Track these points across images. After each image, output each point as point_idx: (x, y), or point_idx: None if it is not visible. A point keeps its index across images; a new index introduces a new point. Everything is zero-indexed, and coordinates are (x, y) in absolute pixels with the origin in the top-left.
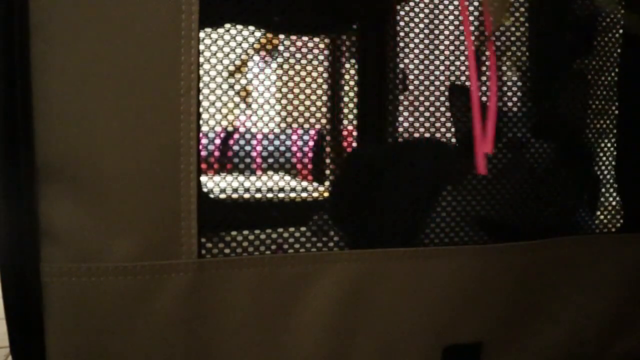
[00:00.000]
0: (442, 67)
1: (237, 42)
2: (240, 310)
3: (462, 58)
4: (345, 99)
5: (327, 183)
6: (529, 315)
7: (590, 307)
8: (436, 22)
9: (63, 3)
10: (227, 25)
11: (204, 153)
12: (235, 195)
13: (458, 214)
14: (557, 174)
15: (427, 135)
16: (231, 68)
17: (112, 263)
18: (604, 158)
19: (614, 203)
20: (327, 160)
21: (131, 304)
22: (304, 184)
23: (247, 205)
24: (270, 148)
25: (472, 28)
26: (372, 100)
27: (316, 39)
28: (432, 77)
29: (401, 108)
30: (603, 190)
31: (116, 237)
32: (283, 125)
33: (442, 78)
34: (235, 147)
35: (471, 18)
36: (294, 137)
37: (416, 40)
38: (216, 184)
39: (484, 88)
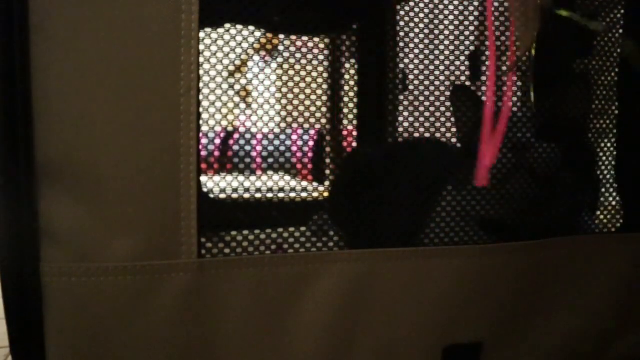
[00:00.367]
0: (442, 68)
1: (237, 42)
2: (240, 310)
3: (463, 59)
4: (345, 99)
5: (326, 183)
6: (528, 315)
7: (590, 307)
8: (437, 24)
9: (63, 3)
10: (227, 25)
11: (204, 153)
12: (235, 196)
13: (458, 214)
14: (557, 175)
15: (427, 135)
16: (231, 68)
17: (112, 263)
18: (604, 158)
19: (614, 203)
20: (327, 160)
21: (131, 303)
22: (304, 184)
23: (247, 205)
24: (270, 148)
25: (495, 52)
26: (372, 100)
27: (316, 39)
28: (431, 78)
29: (401, 108)
30: (603, 190)
31: (116, 237)
32: (283, 125)
33: (441, 79)
34: (235, 147)
35: (497, 43)
36: (294, 137)
37: (416, 41)
38: (216, 184)
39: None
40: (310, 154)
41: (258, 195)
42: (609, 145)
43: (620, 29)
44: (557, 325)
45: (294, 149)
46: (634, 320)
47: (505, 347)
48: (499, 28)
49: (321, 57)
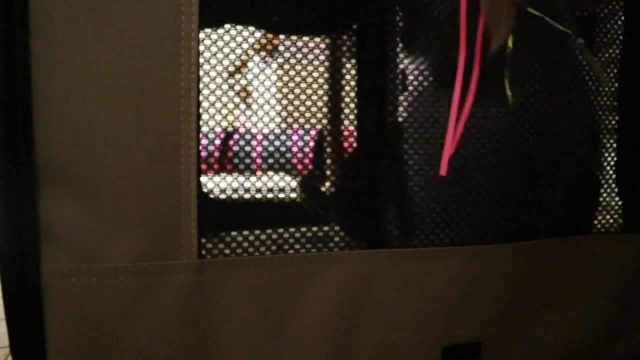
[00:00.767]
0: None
1: (237, 43)
2: (240, 311)
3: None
4: (347, 99)
5: (327, 184)
6: (528, 315)
7: (590, 307)
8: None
9: (62, 4)
10: (227, 26)
11: (204, 154)
12: (235, 196)
13: (458, 215)
14: (557, 175)
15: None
16: (231, 69)
17: (113, 263)
18: (604, 158)
19: (613, 203)
20: (328, 161)
21: (131, 304)
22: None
23: (248, 206)
24: (271, 148)
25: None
26: (373, 100)
27: (316, 39)
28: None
29: (401, 108)
30: (603, 190)
31: (116, 238)
32: (283, 125)
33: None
34: (235, 148)
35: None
36: (294, 137)
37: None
38: (216, 184)
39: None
40: (310, 154)
41: (258, 196)
42: (608, 145)
43: (620, 28)
44: (556, 325)
45: (294, 149)
46: (634, 321)
47: (505, 347)
48: (470, 23)
49: (321, 57)
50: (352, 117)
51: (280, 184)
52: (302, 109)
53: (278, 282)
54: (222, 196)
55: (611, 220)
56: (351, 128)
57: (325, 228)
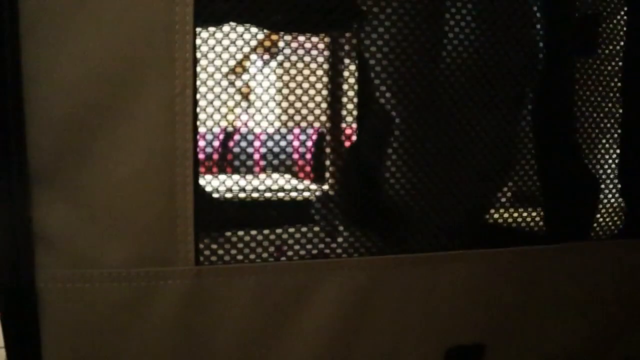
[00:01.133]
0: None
1: (237, 35)
2: (239, 319)
3: None
4: (353, 100)
5: (329, 190)
6: (531, 317)
7: (593, 309)
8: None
9: (52, 4)
10: (225, 18)
11: (201, 155)
12: (234, 200)
13: (462, 219)
14: (560, 180)
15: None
16: (231, 63)
17: (107, 269)
18: (606, 163)
19: (616, 209)
20: (331, 167)
21: (127, 310)
22: (306, 188)
23: (248, 210)
24: (275, 150)
25: None
26: (376, 101)
27: (317, 33)
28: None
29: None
30: (605, 196)
31: (111, 243)
32: (285, 126)
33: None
34: (235, 149)
35: None
36: (297, 139)
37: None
38: (214, 188)
39: None
40: (312, 158)
41: (259, 200)
42: (611, 150)
43: (623, 27)
44: (559, 327)
45: (297, 152)
46: (635, 324)
47: (508, 349)
48: None
49: (322, 53)
50: (353, 117)
51: (282, 188)
52: (305, 109)
53: (279, 289)
54: (221, 200)
55: (612, 225)
56: (353, 128)
57: (328, 234)
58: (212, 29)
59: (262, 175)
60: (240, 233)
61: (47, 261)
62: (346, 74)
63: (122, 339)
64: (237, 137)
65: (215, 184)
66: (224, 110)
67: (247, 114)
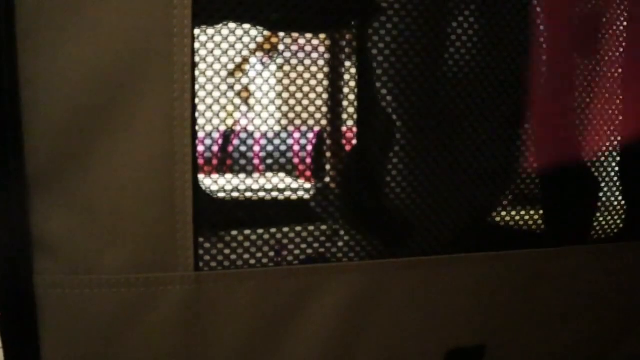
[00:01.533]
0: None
1: (236, 38)
2: (239, 324)
3: None
4: (354, 102)
5: (330, 193)
6: (531, 319)
7: (593, 313)
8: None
9: (49, 7)
10: (224, 20)
11: (200, 161)
12: (234, 205)
13: (463, 223)
14: (561, 184)
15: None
16: (230, 67)
17: (106, 275)
18: (607, 166)
19: (616, 211)
20: (331, 170)
21: (126, 316)
22: (306, 191)
23: (248, 216)
24: (275, 154)
25: None
26: (376, 102)
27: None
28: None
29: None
30: (605, 199)
31: (109, 249)
32: (286, 129)
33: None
34: (235, 154)
35: None
36: (297, 142)
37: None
38: (214, 193)
39: None
40: (313, 161)
41: (259, 205)
42: (612, 151)
43: (623, 27)
44: (560, 329)
45: (298, 155)
46: (636, 327)
47: (508, 351)
48: None
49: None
50: (354, 119)
51: (282, 192)
52: (307, 110)
53: (279, 294)
54: (221, 205)
55: (612, 227)
56: (353, 130)
57: (329, 239)
58: (210, 32)
59: (262, 180)
60: (240, 238)
61: (46, 267)
62: (347, 76)
63: (122, 345)
64: (236, 141)
65: (214, 188)
66: (223, 114)
67: (247, 118)
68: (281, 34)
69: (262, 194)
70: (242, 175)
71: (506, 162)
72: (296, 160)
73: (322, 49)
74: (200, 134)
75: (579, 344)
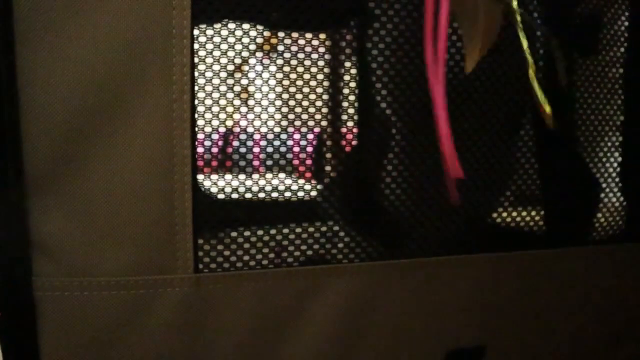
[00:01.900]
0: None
1: (236, 39)
2: (239, 326)
3: None
4: (350, 100)
5: (330, 194)
6: (532, 320)
7: (594, 313)
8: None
9: (47, 8)
10: (224, 20)
11: (199, 162)
12: (234, 207)
13: (463, 224)
14: (560, 183)
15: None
16: (230, 68)
17: (105, 277)
18: (607, 158)
19: (619, 211)
20: (331, 171)
21: (125, 318)
22: (306, 192)
23: (248, 217)
24: (274, 155)
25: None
26: (381, 103)
27: (318, 35)
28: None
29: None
30: (606, 192)
31: (108, 251)
32: (286, 130)
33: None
34: (235, 156)
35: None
36: (297, 143)
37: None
38: (214, 194)
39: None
40: (313, 162)
41: (260, 207)
42: (613, 153)
43: (624, 25)
44: (560, 330)
45: (298, 156)
46: (636, 325)
47: (509, 352)
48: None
49: (325, 55)
50: (355, 118)
51: (283, 195)
52: (307, 110)
53: (279, 296)
54: (220, 207)
55: (613, 228)
56: (353, 131)
57: (330, 236)
58: (209, 33)
59: (262, 181)
60: (240, 240)
61: (45, 269)
62: (347, 77)
63: (121, 347)
64: (235, 142)
65: (214, 190)
66: (222, 115)
67: (246, 119)
68: (281, 34)
69: (262, 195)
70: (242, 177)
71: (506, 162)
72: (296, 161)
73: (322, 49)
74: (200, 135)
75: (579, 344)
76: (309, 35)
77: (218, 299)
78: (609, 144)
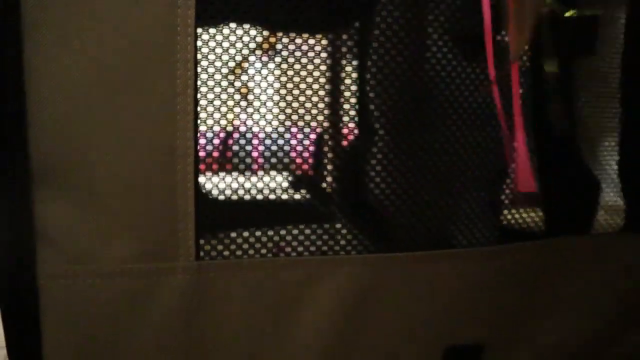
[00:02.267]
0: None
1: (238, 37)
2: (239, 314)
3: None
4: (349, 97)
5: (329, 188)
6: (531, 315)
7: (592, 307)
8: None
9: (54, 3)
10: (227, 19)
11: (202, 153)
12: (235, 196)
13: (462, 217)
14: (559, 177)
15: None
16: (232, 64)
17: (108, 265)
18: (607, 157)
19: (617, 203)
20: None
21: (128, 306)
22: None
23: (248, 207)
24: (272, 147)
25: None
26: (379, 99)
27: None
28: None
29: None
30: (605, 190)
31: (111, 240)
32: (285, 123)
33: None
34: (235, 147)
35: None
36: (297, 136)
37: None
38: (215, 185)
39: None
40: (314, 154)
41: (259, 197)
42: (612, 144)
43: (623, 28)
44: (559, 325)
45: (296, 148)
46: (636, 320)
47: (507, 348)
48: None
49: (327, 52)
50: (354, 115)
51: (282, 184)
52: (304, 106)
53: (280, 286)
54: (221, 197)
55: (612, 221)
56: (350, 127)
57: (330, 230)
58: (213, 30)
59: (262, 173)
60: (241, 229)
61: (49, 258)
62: (346, 75)
63: (124, 335)
64: (237, 135)
65: (215, 180)
66: (224, 109)
67: (247, 114)
68: (280, 34)
69: (263, 190)
70: (244, 170)
71: (502, 157)
72: (299, 156)
73: (322, 49)
74: (202, 128)
75: (578, 340)
76: (311, 35)
77: (219, 287)
78: (611, 142)
